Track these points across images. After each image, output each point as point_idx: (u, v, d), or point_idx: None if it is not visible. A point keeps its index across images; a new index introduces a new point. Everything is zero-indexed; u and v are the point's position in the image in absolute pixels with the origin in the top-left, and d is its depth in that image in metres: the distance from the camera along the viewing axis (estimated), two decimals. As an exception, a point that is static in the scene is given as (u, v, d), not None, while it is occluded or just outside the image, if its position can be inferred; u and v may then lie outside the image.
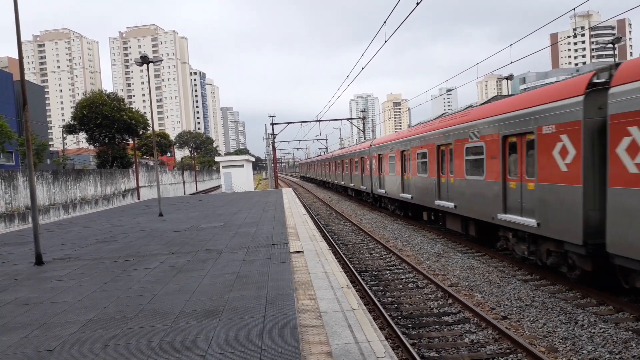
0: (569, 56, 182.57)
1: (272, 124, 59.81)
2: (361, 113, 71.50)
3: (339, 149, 57.97)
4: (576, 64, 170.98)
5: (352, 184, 37.77)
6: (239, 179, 54.47)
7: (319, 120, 57.26)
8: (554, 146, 10.88)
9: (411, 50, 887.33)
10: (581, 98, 9.87)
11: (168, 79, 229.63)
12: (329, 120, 59.96)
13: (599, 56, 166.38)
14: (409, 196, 22.03)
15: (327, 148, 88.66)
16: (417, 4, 14.20)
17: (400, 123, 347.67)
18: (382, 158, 27.48)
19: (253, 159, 74.99)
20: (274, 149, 62.62)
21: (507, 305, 10.15)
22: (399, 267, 14.33)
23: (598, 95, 9.71)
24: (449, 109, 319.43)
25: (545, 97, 11.30)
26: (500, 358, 7.58)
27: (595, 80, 9.83)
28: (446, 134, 17.33)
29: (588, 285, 10.89)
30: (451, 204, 16.85)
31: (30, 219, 31.93)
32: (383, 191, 27.46)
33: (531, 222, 11.70)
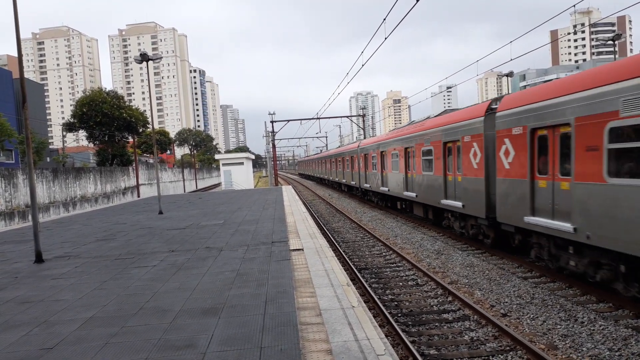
0: (569, 53, 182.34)
1: (272, 122, 59.77)
2: (361, 110, 71.43)
3: (337, 147, 58.62)
4: (576, 61, 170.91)
5: (344, 180, 41.43)
6: (239, 176, 54.43)
7: (318, 118, 57.15)
8: (470, 150, 15.19)
9: (411, 47, 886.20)
10: (482, 118, 14.39)
11: (168, 77, 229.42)
12: (329, 117, 59.78)
13: (599, 53, 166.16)
14: (387, 189, 26.08)
15: (326, 146, 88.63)
16: (417, 0, 14.17)
17: (400, 120, 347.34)
18: (367, 157, 31.38)
19: (253, 157, 75.00)
20: (273, 146, 62.57)
21: (507, 302, 10.15)
22: (399, 264, 14.34)
23: (492, 117, 13.93)
24: (449, 107, 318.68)
25: (465, 116, 15.71)
26: (500, 355, 7.59)
27: (493, 107, 14.23)
28: (410, 139, 21.44)
29: (500, 249, 14.76)
30: (413, 194, 21.19)
31: (30, 217, 31.94)
32: (368, 185, 31.36)
33: (459, 204, 16.09)
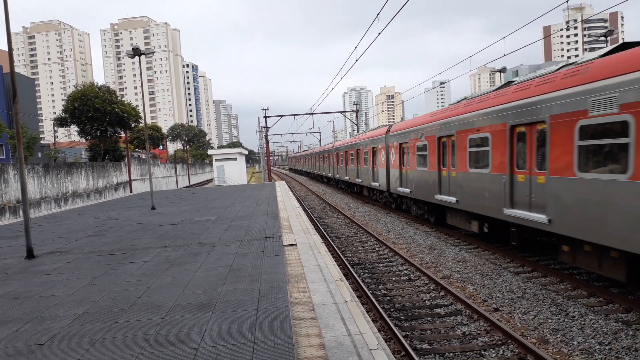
0: (562, 49, 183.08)
1: (265, 117, 59.59)
2: (355, 106, 71.31)
3: (332, 142, 59.85)
4: (569, 57, 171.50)
5: (324, 173, 52.01)
6: (232, 172, 54.32)
7: (312, 113, 57.02)
8: (381, 153, 25.60)
9: (404, 40, 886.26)
10: (384, 135, 24.60)
11: (160, 72, 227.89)
12: (323, 113, 59.34)
13: (592, 49, 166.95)
14: (360, 180, 30.96)
15: (320, 141, 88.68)
16: (410, -4, 14.15)
17: (393, 115, 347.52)
18: (339, 155, 39.50)
19: (246, 152, 74.76)
20: (267, 141, 62.42)
21: (498, 297, 10.21)
22: (392, 259, 14.38)
23: (389, 135, 23.75)
24: (442, 103, 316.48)
25: (376, 134, 26.53)
26: (491, 349, 7.64)
27: (390, 129, 23.98)
28: (373, 141, 27.44)
29: (399, 210, 24.50)
30: (377, 184, 26.56)
31: (21, 213, 31.72)
32: (338, 176, 40.42)
33: (381, 186, 25.64)
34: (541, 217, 10.79)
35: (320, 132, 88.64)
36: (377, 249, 16.14)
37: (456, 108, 16.05)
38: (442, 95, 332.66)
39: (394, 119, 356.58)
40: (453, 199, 15.81)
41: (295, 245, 11.66)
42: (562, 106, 9.93)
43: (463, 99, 16.71)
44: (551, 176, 10.42)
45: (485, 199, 13.63)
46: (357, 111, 59.97)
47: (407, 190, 21.09)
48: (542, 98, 10.72)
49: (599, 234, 8.96)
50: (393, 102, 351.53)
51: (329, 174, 47.38)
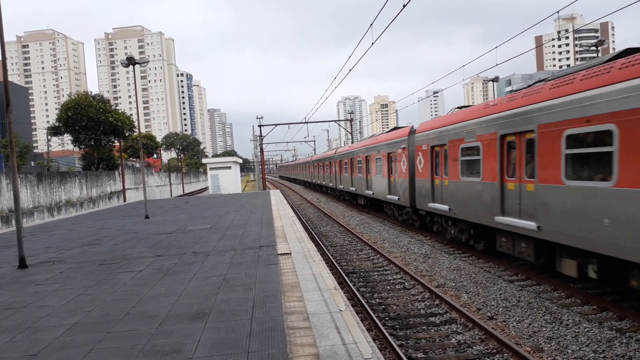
0: (554, 58, 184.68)
1: (260, 126, 59.73)
2: (349, 115, 71.74)
3: (335, 148, 62.70)
4: (560, 66, 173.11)
5: (324, 182, 51.46)
6: (227, 180, 54.14)
7: (306, 122, 57.19)
8: (401, 160, 21.86)
9: (397, 50, 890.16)
10: (406, 137, 21.05)
11: (155, 80, 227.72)
12: (317, 122, 59.91)
13: (583, 58, 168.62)
14: (370, 192, 28.75)
15: (314, 150, 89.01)
16: (404, 6, 14.28)
17: (387, 124, 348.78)
18: (342, 162, 37.64)
19: (240, 161, 74.54)
20: (261, 150, 62.45)
21: (493, 305, 10.22)
22: (387, 268, 14.38)
23: (412, 136, 20.55)
24: (436, 112, 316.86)
25: (394, 136, 23.17)
26: (486, 358, 7.64)
27: (413, 130, 20.84)
28: (389, 145, 23.99)
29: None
30: (395, 197, 23.15)
31: (13, 222, 31.48)
32: (342, 186, 39.06)
33: (401, 200, 22.16)
34: None
35: (314, 141, 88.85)
36: (371, 257, 16.14)
37: (536, 91, 11.24)
38: (435, 104, 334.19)
39: (387, 127, 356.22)
40: (532, 224, 11.06)
41: (290, 254, 11.65)
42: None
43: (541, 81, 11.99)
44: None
45: (603, 228, 8.82)
46: (351, 120, 60.20)
47: (445, 208, 16.33)
48: None
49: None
50: (387, 110, 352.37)
51: (330, 184, 44.52)
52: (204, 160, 68.91)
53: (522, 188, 11.76)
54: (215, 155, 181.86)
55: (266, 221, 18.86)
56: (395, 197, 22.61)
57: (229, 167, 55.31)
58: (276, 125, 57.54)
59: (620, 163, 8.32)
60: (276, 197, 33.44)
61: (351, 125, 59.44)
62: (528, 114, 11.26)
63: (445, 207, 16.30)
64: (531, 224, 11.02)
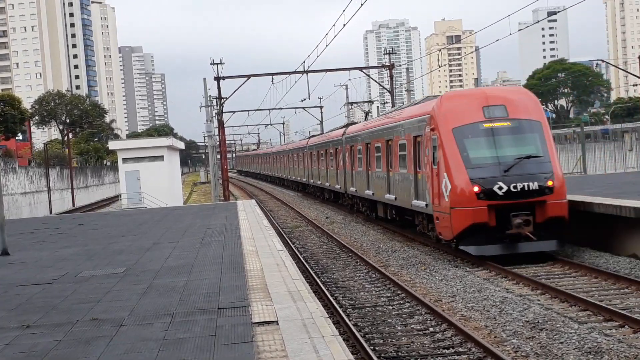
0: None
1: (219, 78, 35.14)
2: (386, 57, 43.18)
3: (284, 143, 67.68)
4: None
5: (329, 185, 47.68)
6: (155, 182, 35.02)
7: (306, 71, 34.75)
8: (341, 153, 30.11)
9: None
10: (342, 137, 29.68)
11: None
12: (326, 70, 34.89)
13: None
14: (313, 180, 34.17)
15: (321, 124, 59.56)
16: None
17: (460, 74, 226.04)
18: (283, 157, 40.17)
19: (182, 146, 50.80)
20: (221, 125, 38.04)
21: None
22: (461, 349, 8.52)
23: (345, 136, 29.42)
24: (553, 47, 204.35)
25: (334, 135, 32.53)
26: None
27: (346, 130, 29.96)
28: (318, 144, 35.59)
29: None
30: (328, 183, 32.56)
31: None
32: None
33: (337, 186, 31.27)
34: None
35: (322, 107, 54.09)
36: (432, 329, 9.93)
37: None
38: (550, 34, 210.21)
39: (460, 79, 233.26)
40: (369, 192, 23.87)
41: (277, 322, 6.52)
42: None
43: None
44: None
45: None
46: (391, 67, 36.97)
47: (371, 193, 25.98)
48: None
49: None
50: (460, 47, 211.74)
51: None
52: (112, 145, 44.52)
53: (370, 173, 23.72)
54: (134, 135, 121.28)
55: (230, 259, 12.36)
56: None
57: (161, 157, 36.17)
58: (248, 76, 34.65)
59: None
60: (249, 214, 22.26)
61: (391, 76, 37.13)
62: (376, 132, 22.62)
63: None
64: (369, 192, 23.37)
